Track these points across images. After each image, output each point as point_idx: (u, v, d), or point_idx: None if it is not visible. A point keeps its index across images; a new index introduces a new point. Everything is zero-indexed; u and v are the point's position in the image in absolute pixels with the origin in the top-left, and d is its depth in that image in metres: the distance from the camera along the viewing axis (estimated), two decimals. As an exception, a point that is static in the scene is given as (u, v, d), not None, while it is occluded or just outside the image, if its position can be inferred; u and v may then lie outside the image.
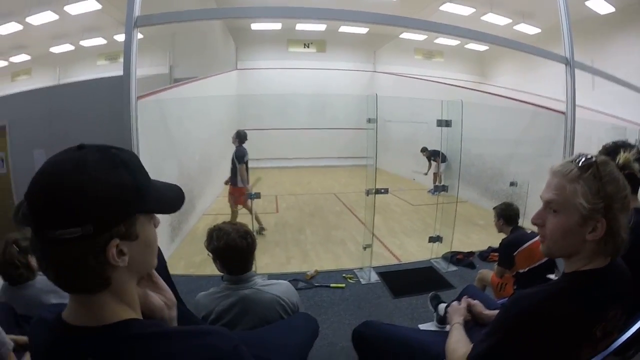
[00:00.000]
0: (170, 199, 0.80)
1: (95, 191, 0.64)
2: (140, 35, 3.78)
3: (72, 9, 8.43)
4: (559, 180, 1.07)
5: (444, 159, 7.97)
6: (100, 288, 0.68)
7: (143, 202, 0.71)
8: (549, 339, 1.01)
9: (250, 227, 2.00)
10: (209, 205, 7.55)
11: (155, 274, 0.90)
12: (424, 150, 9.16)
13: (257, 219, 5.62)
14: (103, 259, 0.66)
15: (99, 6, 8.34)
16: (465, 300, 1.70)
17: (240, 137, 5.49)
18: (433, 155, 8.76)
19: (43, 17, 9.05)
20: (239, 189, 5.48)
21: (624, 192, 1.03)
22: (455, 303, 1.70)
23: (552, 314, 1.01)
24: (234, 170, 5.48)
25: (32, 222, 0.64)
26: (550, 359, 1.05)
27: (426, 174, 9.32)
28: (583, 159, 1.05)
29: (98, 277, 0.67)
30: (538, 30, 10.61)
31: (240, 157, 5.42)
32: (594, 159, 1.05)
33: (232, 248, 1.78)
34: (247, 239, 1.82)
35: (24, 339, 1.61)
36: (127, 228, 0.69)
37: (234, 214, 5.62)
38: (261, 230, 5.81)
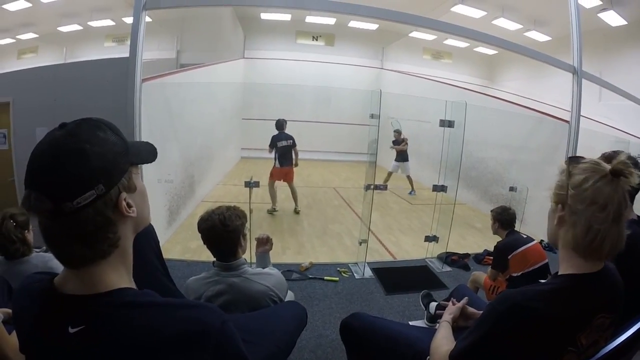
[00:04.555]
0: (148, 151, 0.87)
1: (96, 151, 0.69)
2: (148, 19, 3.78)
3: (82, -12, 8.42)
4: None
5: (404, 158, 8.41)
6: (111, 250, 0.73)
7: (132, 154, 0.78)
8: (530, 340, 1.02)
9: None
10: (208, 191, 7.56)
11: None
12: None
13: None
14: (117, 214, 0.73)
15: (109, -13, 8.35)
16: (460, 302, 1.66)
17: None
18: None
19: (53, -5, 9.01)
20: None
21: (578, 189, 1.05)
22: (450, 303, 1.68)
23: (536, 314, 1.01)
24: (287, 154, 6.59)
25: (48, 202, 0.65)
26: None
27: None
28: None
29: (112, 238, 0.73)
30: (548, 39, 10.54)
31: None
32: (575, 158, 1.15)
33: (211, 231, 1.77)
34: (228, 225, 1.77)
35: None
36: (127, 181, 0.75)
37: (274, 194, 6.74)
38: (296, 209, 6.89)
